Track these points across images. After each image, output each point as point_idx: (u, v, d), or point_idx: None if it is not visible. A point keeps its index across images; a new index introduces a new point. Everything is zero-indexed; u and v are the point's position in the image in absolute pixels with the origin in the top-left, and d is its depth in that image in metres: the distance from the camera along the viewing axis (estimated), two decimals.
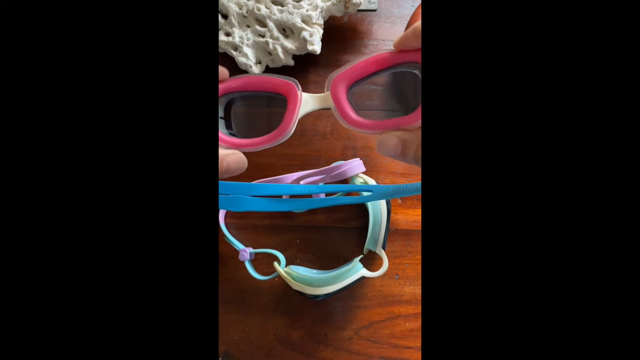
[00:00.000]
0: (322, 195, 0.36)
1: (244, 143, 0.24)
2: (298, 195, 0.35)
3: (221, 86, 0.24)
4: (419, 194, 0.32)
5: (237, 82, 0.24)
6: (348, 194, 0.37)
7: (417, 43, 0.21)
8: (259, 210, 0.34)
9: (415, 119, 0.22)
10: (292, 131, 0.24)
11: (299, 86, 0.24)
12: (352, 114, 0.23)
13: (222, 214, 0.38)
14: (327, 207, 0.38)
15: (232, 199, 0.32)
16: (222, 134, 0.25)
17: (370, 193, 0.33)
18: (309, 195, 0.36)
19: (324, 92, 0.23)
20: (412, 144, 0.21)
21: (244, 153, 0.23)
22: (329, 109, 0.23)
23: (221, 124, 0.25)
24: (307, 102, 0.24)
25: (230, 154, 0.22)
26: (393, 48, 0.22)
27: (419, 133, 0.21)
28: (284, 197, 0.36)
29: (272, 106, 0.25)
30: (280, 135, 0.23)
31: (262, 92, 0.24)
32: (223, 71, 0.23)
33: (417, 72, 0.23)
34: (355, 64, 0.22)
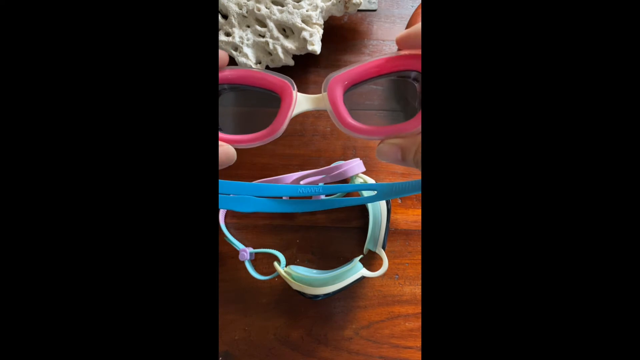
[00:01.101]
0: (323, 197, 0.36)
1: (233, 139, 0.23)
2: (303, 196, 0.35)
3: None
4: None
5: (231, 73, 0.23)
6: (351, 194, 0.37)
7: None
8: (263, 211, 0.33)
9: (413, 126, 0.22)
10: (283, 131, 0.23)
11: (295, 86, 0.23)
12: (348, 118, 0.23)
13: (222, 213, 0.38)
14: (329, 210, 0.38)
15: (237, 199, 0.32)
16: None
17: (373, 193, 0.33)
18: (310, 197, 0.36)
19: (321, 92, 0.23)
20: (411, 149, 0.21)
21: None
22: (323, 110, 0.23)
23: None
24: (300, 103, 0.23)
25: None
26: (395, 43, 0.21)
27: (417, 138, 0.21)
28: (286, 198, 0.36)
29: (264, 104, 0.24)
30: (271, 134, 0.23)
31: (256, 88, 0.24)
32: (222, 56, 0.23)
33: (417, 84, 0.23)
34: (354, 67, 0.22)
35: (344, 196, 0.37)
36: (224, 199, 0.32)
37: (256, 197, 0.33)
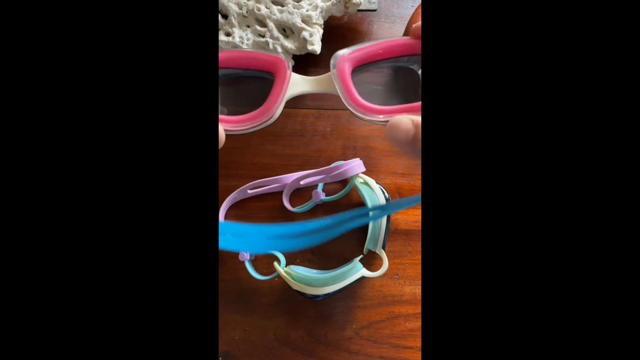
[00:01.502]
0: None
1: (222, 119, 0.21)
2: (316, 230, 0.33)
3: None
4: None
5: (219, 57, 0.21)
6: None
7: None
8: (277, 251, 0.32)
9: None
10: (278, 113, 0.21)
11: (289, 63, 0.21)
12: (359, 97, 0.21)
13: (222, 213, 0.38)
14: (329, 210, 0.38)
15: (248, 242, 0.30)
16: None
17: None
18: None
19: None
20: None
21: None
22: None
23: None
24: (297, 83, 0.21)
25: None
26: (412, 32, 0.20)
27: None
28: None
29: (258, 86, 0.22)
30: (263, 114, 0.21)
31: (247, 70, 0.22)
32: None
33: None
34: (366, 45, 0.20)
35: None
36: (228, 241, 0.30)
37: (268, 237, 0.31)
